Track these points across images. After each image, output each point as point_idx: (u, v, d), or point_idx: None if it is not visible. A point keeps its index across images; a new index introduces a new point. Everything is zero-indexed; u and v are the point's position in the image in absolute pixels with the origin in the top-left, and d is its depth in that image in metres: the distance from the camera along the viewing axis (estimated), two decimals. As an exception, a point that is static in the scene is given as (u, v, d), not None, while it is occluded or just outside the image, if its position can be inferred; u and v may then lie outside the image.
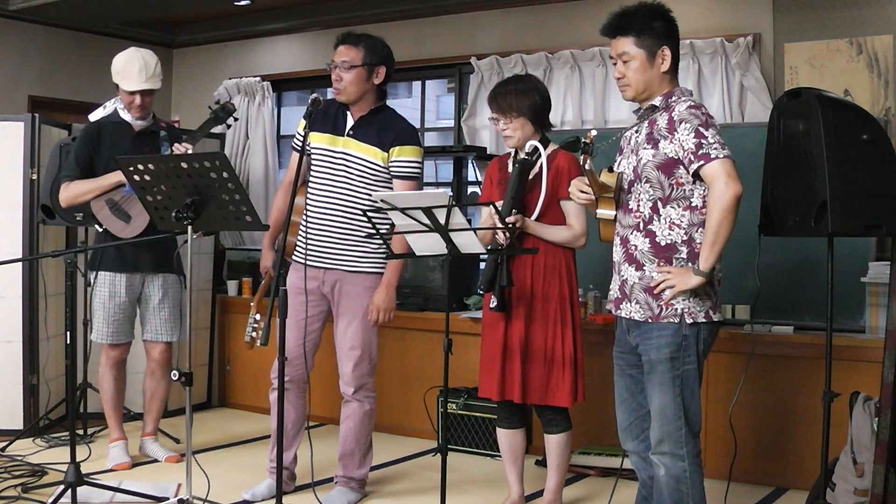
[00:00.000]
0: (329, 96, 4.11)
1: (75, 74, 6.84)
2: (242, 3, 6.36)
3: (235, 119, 4.68)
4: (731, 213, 2.85)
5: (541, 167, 3.67)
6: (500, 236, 3.62)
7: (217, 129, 6.71)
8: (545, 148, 3.71)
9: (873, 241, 4.36)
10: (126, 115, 4.42)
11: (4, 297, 4.95)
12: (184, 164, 3.32)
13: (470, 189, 6.14)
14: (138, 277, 4.44)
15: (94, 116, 4.75)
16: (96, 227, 4.38)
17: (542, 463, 4.33)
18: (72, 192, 4.32)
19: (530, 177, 3.70)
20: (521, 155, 3.74)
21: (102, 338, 4.43)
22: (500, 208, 3.51)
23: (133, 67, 4.34)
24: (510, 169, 3.80)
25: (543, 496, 3.89)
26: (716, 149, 2.87)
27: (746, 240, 3.57)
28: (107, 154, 4.32)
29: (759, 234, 3.51)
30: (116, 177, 4.23)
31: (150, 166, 3.41)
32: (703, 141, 2.88)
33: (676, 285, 2.91)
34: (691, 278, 2.89)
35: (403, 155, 3.90)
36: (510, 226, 3.54)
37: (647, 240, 3.00)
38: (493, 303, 3.67)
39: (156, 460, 4.57)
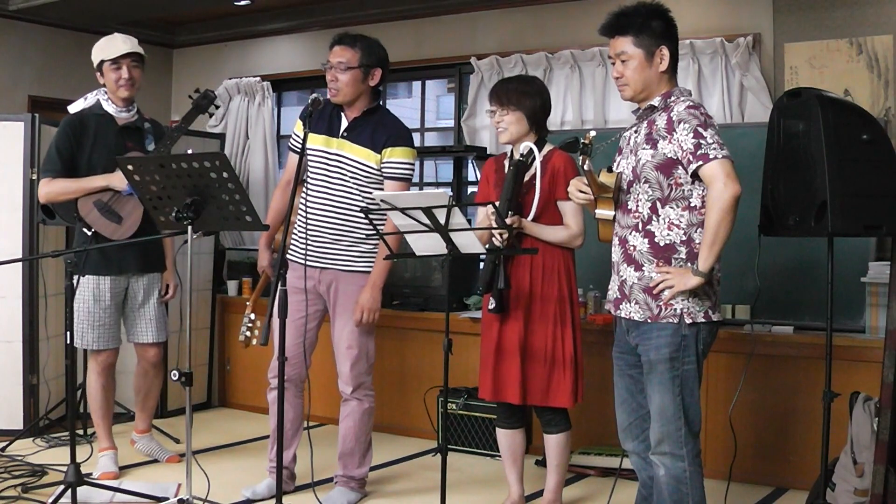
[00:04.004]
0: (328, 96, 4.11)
1: (75, 74, 6.83)
2: (242, 3, 6.36)
3: (217, 106, 4.52)
4: (730, 214, 2.85)
5: (536, 168, 3.67)
6: (497, 238, 3.61)
7: (216, 129, 6.75)
8: (540, 150, 3.70)
9: (873, 241, 4.36)
10: (110, 108, 4.27)
11: (4, 297, 4.95)
12: (184, 164, 3.31)
13: (470, 189, 6.14)
14: (123, 279, 4.30)
15: (75, 108, 4.50)
16: (84, 230, 4.16)
17: (542, 463, 4.33)
18: (53, 189, 4.14)
19: (525, 178, 3.69)
20: (517, 155, 3.74)
21: (87, 343, 4.26)
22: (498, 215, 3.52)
23: (115, 39, 4.26)
24: (507, 169, 3.80)
25: (543, 496, 3.89)
26: (714, 149, 2.87)
27: (746, 240, 3.56)
28: (89, 148, 4.19)
29: (759, 234, 3.50)
30: (103, 180, 4.12)
31: (150, 166, 3.40)
32: (701, 141, 2.88)
33: (675, 285, 2.91)
34: (690, 278, 2.89)
35: (395, 156, 3.89)
36: (509, 227, 3.54)
37: (646, 240, 3.00)
38: (492, 304, 3.67)
39: (155, 460, 4.57)
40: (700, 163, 2.87)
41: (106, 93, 4.30)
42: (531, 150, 3.65)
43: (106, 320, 4.28)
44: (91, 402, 4.39)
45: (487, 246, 3.70)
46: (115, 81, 4.22)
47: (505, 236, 3.57)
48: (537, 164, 3.66)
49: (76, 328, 4.20)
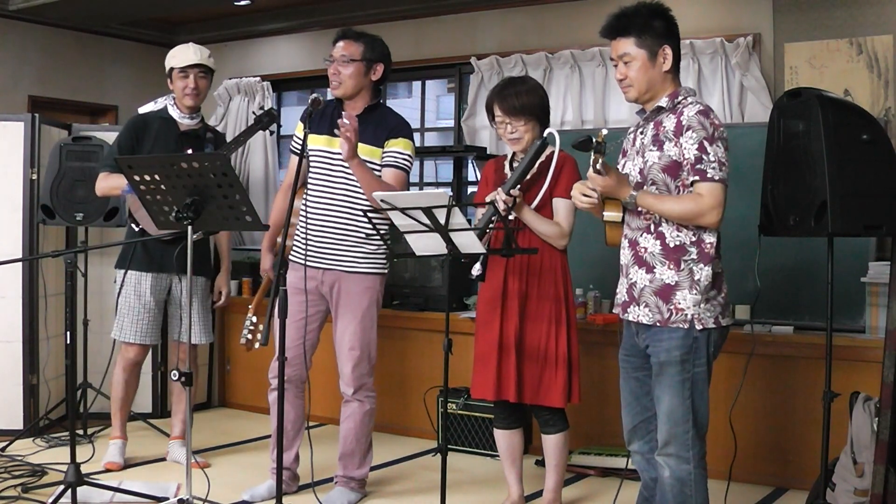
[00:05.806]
0: (329, 97, 4.11)
1: (75, 74, 6.84)
2: (242, 3, 6.37)
3: (279, 126, 4.63)
4: (694, 222, 2.89)
5: (549, 157, 3.64)
6: (500, 204, 3.55)
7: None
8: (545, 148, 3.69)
9: (873, 241, 4.36)
10: (175, 113, 4.42)
11: (4, 297, 4.95)
12: (184, 164, 3.31)
13: (470, 189, 6.14)
14: (165, 278, 4.40)
15: (144, 110, 4.75)
16: (132, 226, 4.33)
17: (542, 463, 4.33)
18: (110, 183, 4.30)
19: (534, 170, 3.67)
20: (520, 156, 3.73)
21: (125, 336, 4.36)
22: (505, 184, 3.55)
23: (187, 49, 4.42)
24: (507, 170, 3.80)
25: (543, 496, 3.89)
26: (713, 168, 2.86)
27: (746, 240, 3.57)
28: (149, 148, 4.31)
29: (759, 234, 3.50)
30: None
31: (151, 166, 3.40)
32: (704, 156, 2.86)
33: (606, 188, 2.96)
34: (624, 189, 2.95)
35: (396, 146, 3.91)
36: (502, 218, 3.51)
37: (658, 242, 2.98)
38: (478, 270, 3.65)
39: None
40: (696, 178, 2.87)
41: (174, 99, 4.46)
42: (551, 134, 3.61)
43: (146, 317, 4.38)
44: (112, 392, 4.51)
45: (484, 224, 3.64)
46: (182, 89, 4.39)
47: (505, 200, 3.54)
48: (556, 149, 3.61)
49: (117, 321, 4.40)
